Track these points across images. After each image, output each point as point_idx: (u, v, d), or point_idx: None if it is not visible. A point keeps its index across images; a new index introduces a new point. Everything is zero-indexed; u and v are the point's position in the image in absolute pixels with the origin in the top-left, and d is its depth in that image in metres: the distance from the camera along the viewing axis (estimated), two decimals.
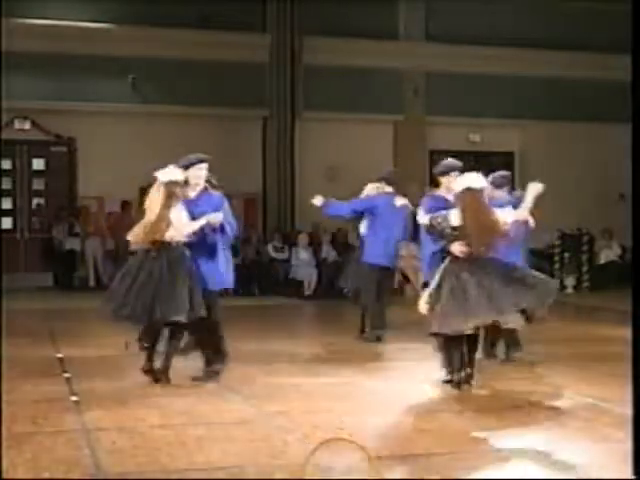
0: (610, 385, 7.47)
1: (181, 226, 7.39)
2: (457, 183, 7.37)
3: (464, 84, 19.55)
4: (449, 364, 7.42)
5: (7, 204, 18.00)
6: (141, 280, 7.31)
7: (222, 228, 7.60)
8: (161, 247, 7.38)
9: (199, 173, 7.80)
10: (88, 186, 17.99)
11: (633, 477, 3.98)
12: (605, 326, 11.99)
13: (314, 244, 17.67)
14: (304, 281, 16.82)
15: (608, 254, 19.23)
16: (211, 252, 7.60)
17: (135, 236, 7.51)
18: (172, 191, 7.42)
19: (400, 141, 19.84)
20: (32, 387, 7.36)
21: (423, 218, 7.79)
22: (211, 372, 7.68)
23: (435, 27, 19.74)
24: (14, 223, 18.13)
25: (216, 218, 7.45)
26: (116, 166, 17.66)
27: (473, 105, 19.67)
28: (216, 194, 7.81)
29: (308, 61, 18.83)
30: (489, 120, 19.93)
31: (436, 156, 19.90)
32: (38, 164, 18.27)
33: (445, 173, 8.11)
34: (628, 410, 4.53)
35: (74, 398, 6.91)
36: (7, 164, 17.95)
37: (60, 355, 9.11)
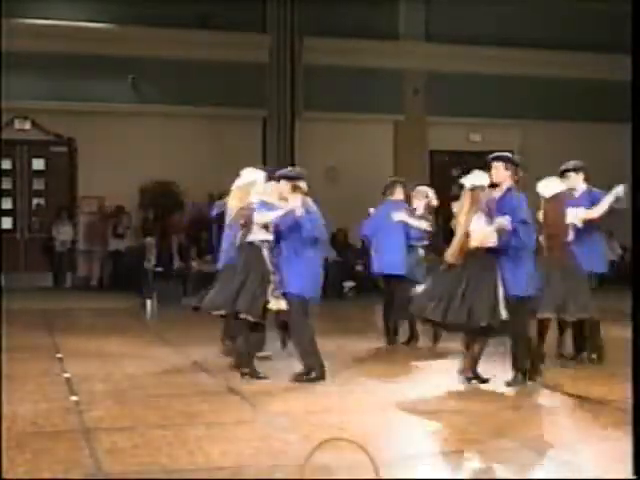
0: (610, 385, 7.46)
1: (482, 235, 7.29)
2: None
3: (464, 84, 19.53)
4: None
5: (7, 204, 17.98)
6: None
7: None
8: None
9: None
10: (88, 186, 17.99)
11: (633, 477, 3.97)
12: (605, 326, 11.94)
13: None
14: None
15: (608, 254, 19.20)
16: None
17: (453, 253, 7.35)
18: (476, 198, 7.36)
19: (400, 141, 19.83)
20: (32, 387, 7.36)
21: None
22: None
23: (435, 27, 19.73)
24: (14, 223, 18.13)
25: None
26: (116, 166, 17.66)
27: (473, 105, 19.66)
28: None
29: (308, 61, 18.82)
30: (489, 120, 19.91)
31: (436, 156, 19.95)
32: (38, 164, 18.26)
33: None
34: (628, 410, 4.52)
35: (74, 398, 6.91)
36: (7, 164, 17.93)
37: (60, 355, 9.12)
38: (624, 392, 6.43)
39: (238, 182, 8.22)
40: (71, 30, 17.46)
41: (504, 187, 7.58)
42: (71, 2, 18.18)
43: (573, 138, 20.22)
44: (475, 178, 7.42)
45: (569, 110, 20.13)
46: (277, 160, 18.18)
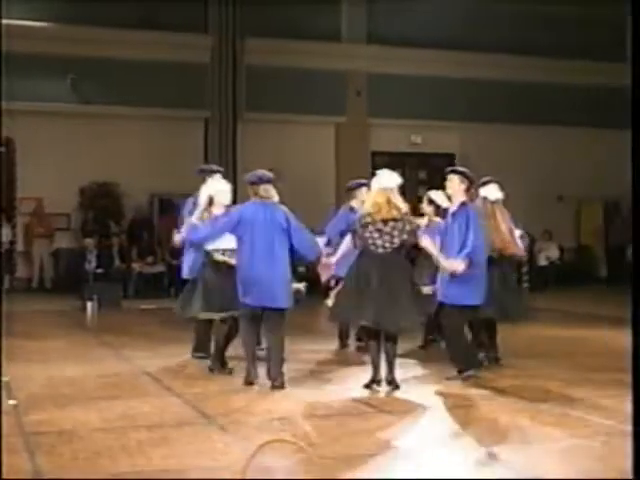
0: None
1: None
2: None
3: (406, 86, 19.68)
4: None
5: None
6: None
7: None
8: None
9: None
10: (27, 187, 17.74)
11: (633, 478, 3.96)
12: (553, 326, 11.91)
13: None
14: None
15: (547, 255, 19.50)
16: None
17: None
18: None
19: (342, 142, 19.91)
20: None
21: None
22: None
23: (377, 29, 19.83)
24: None
25: None
26: (56, 167, 17.48)
27: (415, 107, 19.81)
28: None
29: (250, 62, 18.81)
30: (431, 122, 20.08)
31: (378, 157, 20.04)
32: None
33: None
34: (628, 411, 4.48)
35: (12, 402, 6.82)
36: None
37: None
38: (623, 392, 6.45)
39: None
40: (10, 28, 17.12)
41: (457, 201, 7.63)
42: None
43: (513, 140, 20.50)
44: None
45: (508, 113, 20.38)
46: (219, 161, 18.12)
